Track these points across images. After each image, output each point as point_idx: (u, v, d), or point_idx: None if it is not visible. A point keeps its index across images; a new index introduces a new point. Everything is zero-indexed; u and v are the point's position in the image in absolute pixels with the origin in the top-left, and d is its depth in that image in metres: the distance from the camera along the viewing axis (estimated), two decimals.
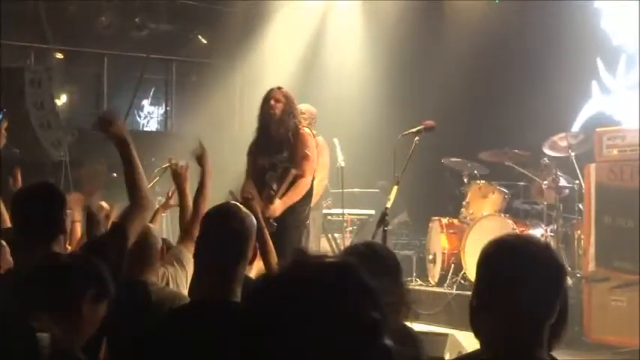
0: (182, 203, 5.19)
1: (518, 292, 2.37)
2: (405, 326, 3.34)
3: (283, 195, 6.71)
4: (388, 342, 1.49)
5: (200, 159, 5.13)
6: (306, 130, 7.05)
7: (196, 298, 3.49)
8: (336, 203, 10.13)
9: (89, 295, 3.02)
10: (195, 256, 3.32)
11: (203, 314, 3.02)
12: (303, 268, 1.51)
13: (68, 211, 4.36)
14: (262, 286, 1.53)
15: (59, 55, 12.16)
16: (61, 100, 12.06)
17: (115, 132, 3.87)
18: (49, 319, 2.95)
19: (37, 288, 3.08)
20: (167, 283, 4.54)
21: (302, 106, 8.46)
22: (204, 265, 3.23)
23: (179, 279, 4.58)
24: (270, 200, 6.60)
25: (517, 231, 8.66)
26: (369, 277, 1.53)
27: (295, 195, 6.80)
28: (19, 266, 3.61)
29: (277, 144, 6.87)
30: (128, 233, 3.77)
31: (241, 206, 3.39)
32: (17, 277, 3.49)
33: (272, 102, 6.90)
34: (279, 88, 7.07)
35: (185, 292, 4.29)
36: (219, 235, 3.21)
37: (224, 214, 3.29)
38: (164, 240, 4.66)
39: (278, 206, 6.66)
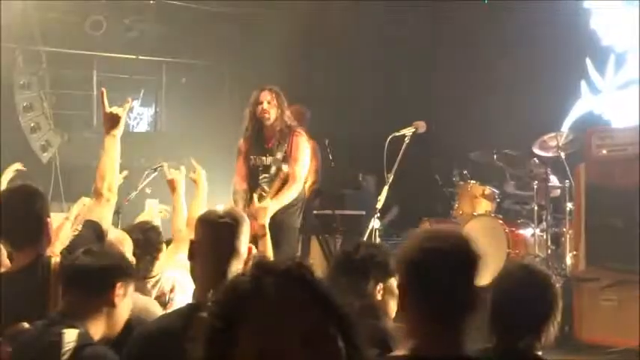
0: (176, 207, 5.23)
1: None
2: None
3: (274, 197, 6.68)
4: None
5: (195, 178, 5.30)
6: (302, 132, 7.02)
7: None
8: (326, 204, 10.11)
9: (119, 287, 3.18)
10: (190, 259, 3.32)
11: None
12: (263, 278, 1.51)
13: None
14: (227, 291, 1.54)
15: (49, 58, 12.12)
16: (51, 102, 12.01)
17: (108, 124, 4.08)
18: (82, 312, 3.09)
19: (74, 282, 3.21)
20: (172, 288, 4.56)
21: (293, 107, 8.48)
22: (201, 268, 3.22)
23: (185, 285, 4.59)
24: (260, 201, 6.56)
25: (507, 231, 8.68)
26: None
27: (287, 198, 6.76)
28: (16, 267, 3.69)
29: (271, 145, 6.85)
30: (100, 227, 3.88)
31: (234, 208, 3.40)
32: (14, 277, 3.58)
33: (264, 105, 6.85)
34: (270, 89, 7.02)
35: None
36: (211, 237, 3.20)
37: (215, 217, 3.28)
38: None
39: (267, 208, 6.61)
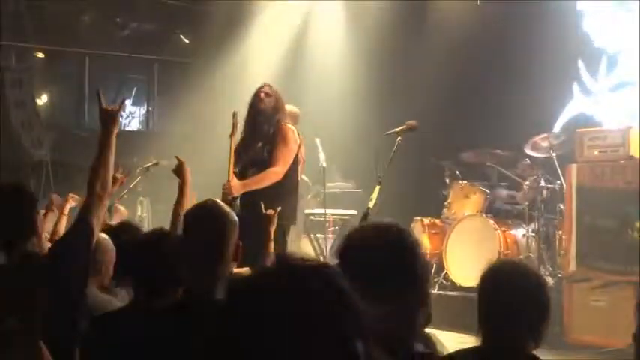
0: (180, 200, 5.14)
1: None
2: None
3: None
4: (360, 347, 1.49)
5: (178, 171, 5.15)
6: (290, 126, 7.01)
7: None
8: (319, 203, 10.13)
9: None
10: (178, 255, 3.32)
11: (188, 312, 3.03)
12: (285, 274, 1.51)
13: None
14: (242, 287, 1.53)
15: (40, 55, 12.11)
16: (43, 99, 12.01)
17: (104, 122, 4.04)
18: None
19: None
20: None
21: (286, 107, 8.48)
22: (187, 264, 3.22)
23: None
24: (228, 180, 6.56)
25: (498, 231, 8.71)
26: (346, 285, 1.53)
27: (260, 180, 6.69)
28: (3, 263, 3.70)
29: (260, 141, 6.85)
30: (92, 225, 3.82)
31: (221, 204, 3.38)
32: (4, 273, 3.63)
33: (262, 95, 6.88)
34: (270, 85, 7.06)
35: None
36: (199, 234, 3.20)
37: (203, 212, 3.28)
38: None
39: (236, 185, 6.61)
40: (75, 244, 3.76)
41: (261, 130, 6.85)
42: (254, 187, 6.62)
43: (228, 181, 6.55)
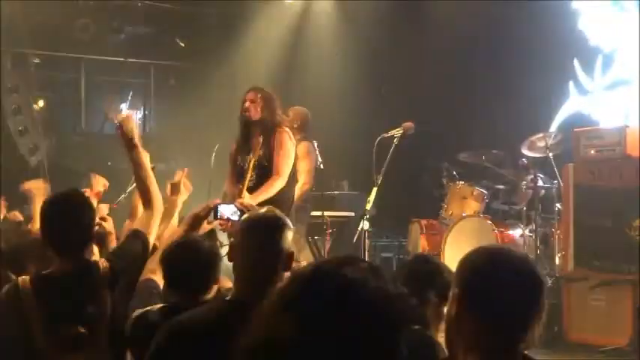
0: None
1: (501, 301, 2.44)
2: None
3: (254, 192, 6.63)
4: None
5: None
6: (286, 130, 6.99)
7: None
8: (316, 205, 10.11)
9: None
10: (230, 260, 3.33)
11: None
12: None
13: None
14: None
15: (36, 60, 12.10)
16: (39, 105, 12.00)
17: (122, 133, 4.14)
18: None
19: None
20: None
21: (295, 108, 8.52)
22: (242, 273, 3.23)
23: None
24: (239, 196, 6.52)
25: (496, 232, 8.71)
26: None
27: (267, 189, 6.69)
28: (59, 272, 3.72)
29: (255, 144, 6.84)
30: (146, 238, 3.95)
31: (276, 210, 3.36)
32: (62, 281, 3.65)
33: (247, 103, 6.88)
34: (256, 89, 7.02)
35: None
36: (257, 242, 3.21)
37: (260, 220, 3.29)
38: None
39: (249, 200, 6.58)
40: (129, 255, 3.89)
41: (255, 137, 6.85)
42: (265, 198, 6.60)
43: (241, 197, 6.52)
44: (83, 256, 3.78)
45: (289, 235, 3.25)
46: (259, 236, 3.21)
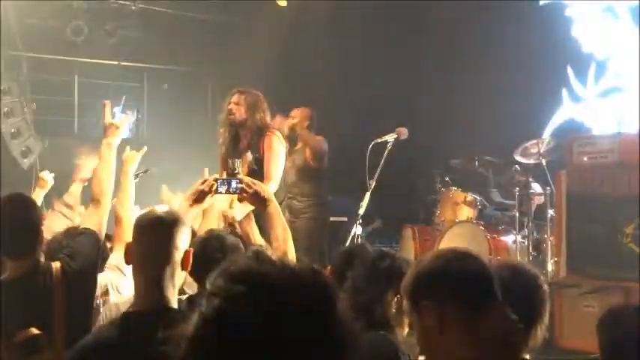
0: None
1: None
2: None
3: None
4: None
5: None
6: (275, 132, 6.95)
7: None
8: None
9: None
10: (127, 263, 3.25)
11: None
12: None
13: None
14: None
15: (29, 63, 12.06)
16: (32, 107, 11.95)
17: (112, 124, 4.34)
18: None
19: None
20: (105, 292, 4.50)
21: (301, 109, 8.51)
22: (138, 274, 3.14)
23: (120, 286, 4.57)
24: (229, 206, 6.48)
25: (489, 238, 8.72)
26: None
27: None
28: (15, 274, 3.73)
29: (243, 147, 6.82)
30: (97, 236, 3.99)
31: (169, 213, 3.29)
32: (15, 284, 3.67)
33: (231, 106, 6.85)
34: (240, 91, 6.97)
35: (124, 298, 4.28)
36: (147, 244, 3.12)
37: (151, 222, 3.19)
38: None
39: (237, 210, 6.56)
40: (81, 256, 3.87)
41: (243, 141, 6.82)
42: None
43: (231, 207, 6.47)
44: (35, 259, 3.77)
45: (183, 233, 3.14)
46: (149, 235, 3.11)
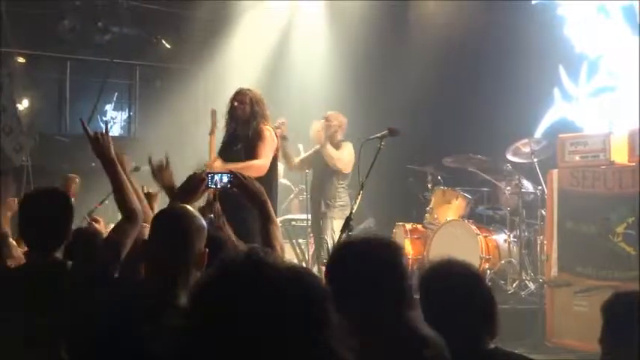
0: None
1: None
2: None
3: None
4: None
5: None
6: (267, 127, 7.05)
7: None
8: (301, 209, 10.11)
9: None
10: (144, 257, 3.24)
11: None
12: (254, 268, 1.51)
13: None
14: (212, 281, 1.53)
15: (21, 59, 12.04)
16: (23, 104, 11.93)
17: (99, 152, 3.99)
18: None
19: None
20: None
21: (330, 114, 8.56)
22: (151, 268, 3.15)
23: None
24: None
25: (480, 236, 8.73)
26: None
27: (243, 168, 6.43)
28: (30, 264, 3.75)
29: (238, 143, 6.91)
30: (120, 247, 3.83)
31: (190, 209, 3.29)
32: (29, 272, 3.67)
33: (236, 103, 6.95)
34: (246, 90, 7.08)
35: None
36: (166, 238, 3.10)
37: (167, 221, 3.19)
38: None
39: (218, 165, 6.64)
40: (100, 259, 3.83)
41: (240, 135, 6.91)
42: (236, 167, 6.52)
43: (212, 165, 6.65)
44: (54, 255, 3.75)
45: (202, 234, 3.12)
46: (168, 234, 3.09)
